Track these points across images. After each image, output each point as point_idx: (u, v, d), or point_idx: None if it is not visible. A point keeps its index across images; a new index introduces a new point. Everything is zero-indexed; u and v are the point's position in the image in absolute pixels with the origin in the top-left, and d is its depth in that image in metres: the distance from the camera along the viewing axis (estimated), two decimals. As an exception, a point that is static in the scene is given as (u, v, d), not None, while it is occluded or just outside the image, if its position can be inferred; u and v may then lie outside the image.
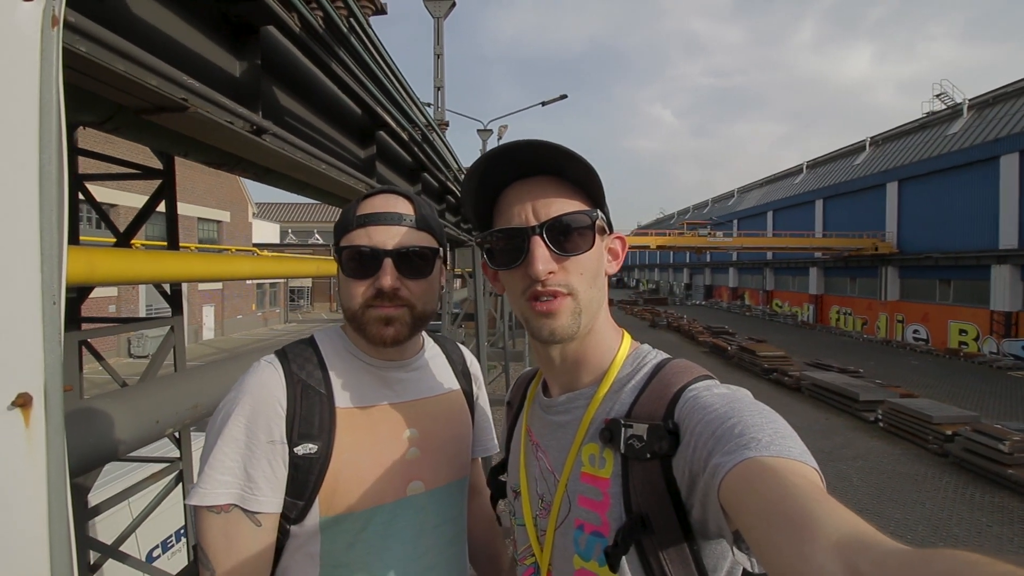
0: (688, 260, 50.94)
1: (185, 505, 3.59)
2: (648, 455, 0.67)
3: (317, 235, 37.63)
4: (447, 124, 6.99)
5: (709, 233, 30.95)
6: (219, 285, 23.21)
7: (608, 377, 0.78)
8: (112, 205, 15.00)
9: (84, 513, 2.70)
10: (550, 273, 0.72)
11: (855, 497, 7.55)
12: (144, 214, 3.10)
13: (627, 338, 0.83)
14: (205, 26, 1.69)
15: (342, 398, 0.91)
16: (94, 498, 2.89)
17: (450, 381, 1.08)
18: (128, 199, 14.88)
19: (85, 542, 2.71)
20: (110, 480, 3.65)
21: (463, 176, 0.87)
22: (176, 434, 3.36)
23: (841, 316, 29.08)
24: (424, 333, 1.07)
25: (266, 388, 0.86)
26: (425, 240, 0.94)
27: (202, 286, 21.99)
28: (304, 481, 0.85)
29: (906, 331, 24.01)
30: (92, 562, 2.83)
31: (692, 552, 0.66)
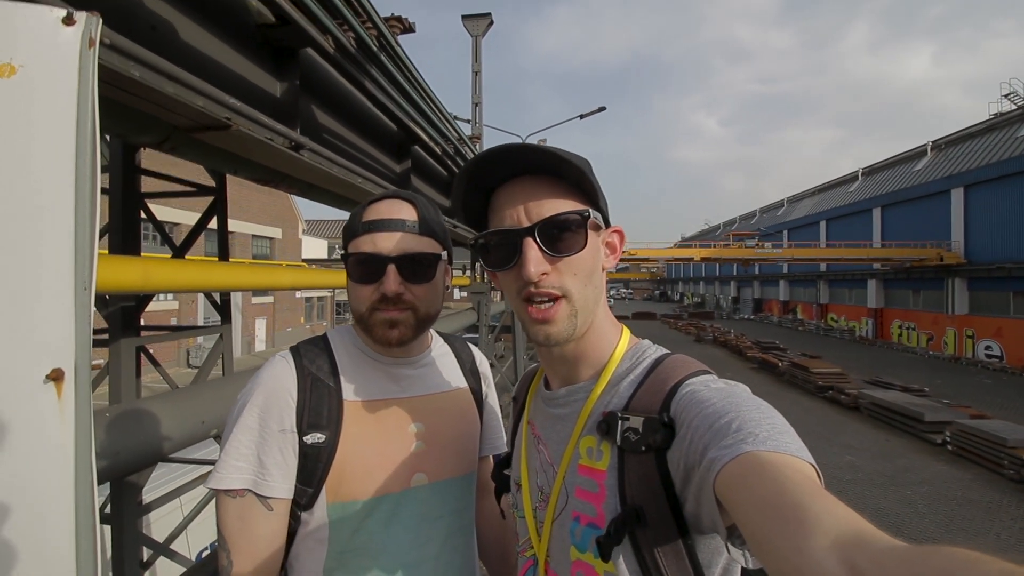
0: (735, 272, 49.34)
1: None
2: (643, 448, 0.67)
3: (363, 250, 38.76)
4: (479, 138, 7.13)
5: (757, 244, 29.92)
6: (270, 299, 24.31)
7: (607, 371, 0.78)
8: (175, 224, 16.07)
9: (138, 509, 2.86)
10: (543, 274, 0.73)
11: (921, 525, 7.02)
12: (198, 229, 3.32)
13: (626, 333, 0.83)
14: (247, 50, 1.82)
15: (350, 391, 0.95)
16: (147, 496, 3.07)
17: (458, 379, 1.10)
18: (189, 217, 15.89)
19: (138, 538, 2.88)
20: (165, 480, 3.86)
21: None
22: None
23: (904, 331, 27.34)
24: (434, 331, 1.10)
25: (278, 380, 0.91)
26: (427, 244, 0.97)
27: (255, 300, 23.10)
28: (313, 469, 0.89)
29: (977, 347, 22.29)
30: (144, 559, 3.00)
31: (686, 546, 0.66)
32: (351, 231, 0.96)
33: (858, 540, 0.40)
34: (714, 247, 30.89)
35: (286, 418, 0.89)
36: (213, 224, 3.47)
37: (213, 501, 3.52)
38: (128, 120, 1.61)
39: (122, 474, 2.09)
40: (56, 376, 0.55)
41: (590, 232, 0.75)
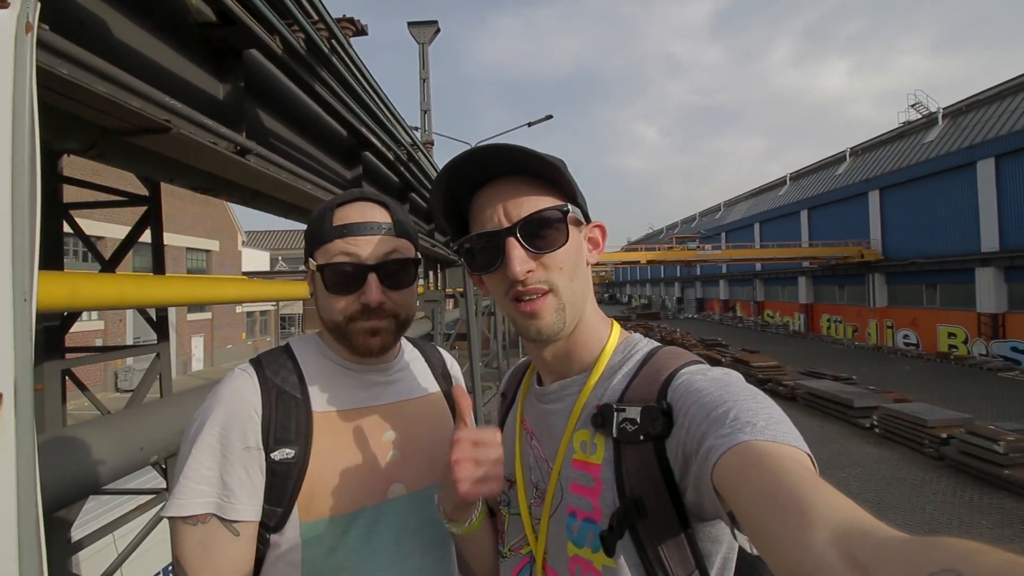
0: (679, 274, 51.29)
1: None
2: (641, 437, 0.67)
3: (307, 261, 37.44)
4: (432, 144, 7.07)
5: (698, 246, 31.28)
6: (208, 315, 22.98)
7: (599, 364, 0.79)
8: (99, 238, 14.91)
9: (67, 548, 2.61)
10: (529, 272, 0.73)
11: (855, 504, 7.50)
12: (129, 241, 3.09)
13: (616, 327, 0.84)
14: (188, 49, 1.71)
15: (319, 402, 0.90)
16: (77, 533, 2.81)
17: (430, 384, 1.07)
18: (115, 231, 14.80)
19: (68, 579, 2.63)
20: (96, 515, 3.55)
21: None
22: (163, 464, 3.29)
23: (832, 324, 29.30)
24: (403, 337, 1.07)
25: (240, 394, 0.85)
26: (404, 247, 0.93)
27: (190, 316, 21.77)
28: (282, 487, 0.84)
29: (896, 336, 24.22)
30: (76, 600, 2.74)
31: (687, 536, 0.66)
32: (318, 237, 0.90)
33: (857, 531, 0.40)
34: (659, 250, 32.03)
35: (250, 435, 0.83)
36: (143, 237, 3.23)
37: (150, 534, 3.27)
38: (52, 123, 1.48)
39: (50, 510, 1.90)
40: (-7, 400, 0.49)
41: (571, 227, 0.76)
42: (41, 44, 1.06)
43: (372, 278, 0.87)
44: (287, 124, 2.40)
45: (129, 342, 17.96)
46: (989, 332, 19.50)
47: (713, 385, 0.65)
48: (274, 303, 29.98)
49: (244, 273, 24.52)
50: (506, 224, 0.74)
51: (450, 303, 12.40)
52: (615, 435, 0.69)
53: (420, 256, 0.98)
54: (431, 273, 8.65)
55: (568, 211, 0.75)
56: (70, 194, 3.10)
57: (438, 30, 9.05)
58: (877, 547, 0.38)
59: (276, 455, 0.84)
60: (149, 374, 3.18)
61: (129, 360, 17.90)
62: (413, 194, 4.51)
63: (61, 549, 2.57)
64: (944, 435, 9.06)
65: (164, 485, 3.33)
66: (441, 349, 1.19)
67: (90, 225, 3.99)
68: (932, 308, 22.60)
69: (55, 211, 2.74)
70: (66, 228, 2.97)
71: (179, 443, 2.49)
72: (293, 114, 2.42)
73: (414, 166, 3.82)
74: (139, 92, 1.37)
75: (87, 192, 3.19)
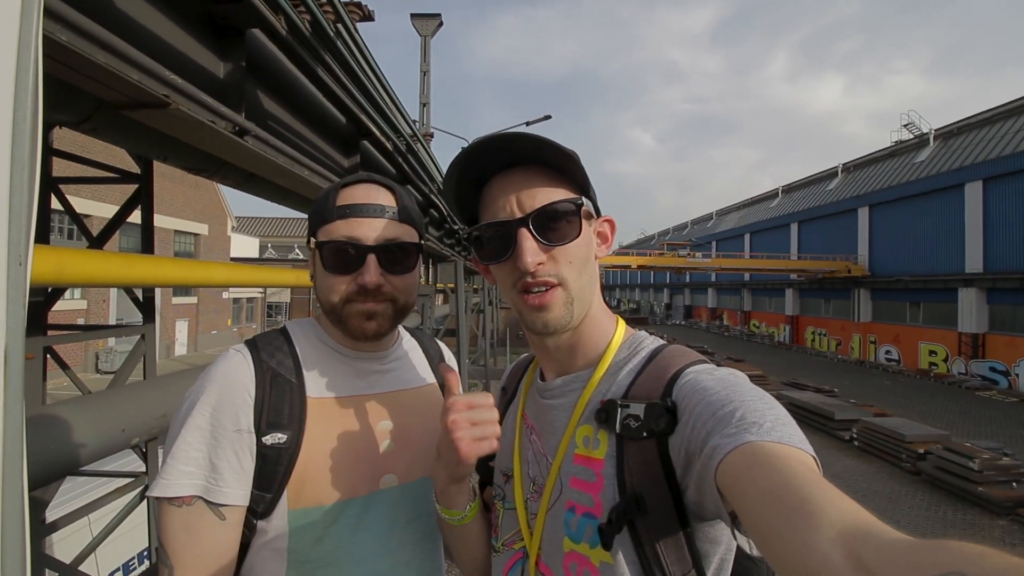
0: (668, 280, 51.58)
1: (148, 511, 3.43)
2: (645, 434, 0.67)
3: (297, 250, 37.16)
4: (431, 135, 7.03)
5: (689, 254, 31.47)
6: (194, 299, 22.67)
7: (604, 360, 0.78)
8: (86, 215, 14.64)
9: (42, 529, 2.56)
10: (539, 264, 0.72)
11: (832, 515, 7.60)
12: (119, 219, 3.03)
13: (622, 323, 0.84)
14: (190, 25, 1.68)
15: (314, 387, 0.88)
16: (52, 514, 2.76)
17: (427, 375, 1.05)
18: (103, 209, 14.54)
19: (41, 560, 2.57)
20: (71, 496, 3.49)
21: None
22: (143, 447, 3.24)
23: (816, 337, 29.65)
24: (400, 326, 1.06)
25: (233, 376, 0.83)
26: (407, 233, 0.92)
27: (175, 300, 21.47)
28: (272, 472, 0.82)
29: (879, 352, 24.56)
30: (48, 582, 2.68)
31: (686, 535, 0.66)
32: (321, 216, 0.89)
33: (863, 533, 0.40)
34: (649, 256, 32.17)
35: (242, 417, 0.81)
36: (131, 217, 3.16)
37: (127, 518, 3.21)
38: (46, 93, 1.44)
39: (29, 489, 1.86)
40: (-18, 365, 0.47)
41: (583, 221, 0.75)
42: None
43: (371, 259, 0.86)
44: (287, 107, 2.37)
45: (112, 323, 17.68)
46: (969, 351, 19.85)
47: (720, 384, 0.64)
48: (261, 290, 29.66)
49: (232, 259, 24.24)
50: (519, 214, 0.73)
51: (439, 298, 12.36)
52: (618, 431, 0.69)
53: (423, 244, 0.97)
54: (422, 268, 8.62)
55: (582, 204, 0.75)
56: (59, 168, 3.04)
57: (441, 23, 9.01)
58: (882, 549, 0.38)
59: (267, 439, 0.82)
60: (133, 356, 3.12)
61: (111, 341, 17.62)
62: (409, 186, 4.48)
63: (35, 530, 2.52)
64: (921, 450, 9.22)
65: (144, 468, 3.27)
66: (438, 341, 1.17)
67: (76, 202, 3.91)
68: (915, 325, 22.96)
69: (43, 184, 2.68)
70: (54, 204, 2.91)
71: (162, 427, 2.46)
72: (293, 97, 2.39)
73: (413, 158, 3.79)
74: (139, 64, 1.34)
75: (76, 167, 3.12)
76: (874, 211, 25.73)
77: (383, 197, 0.91)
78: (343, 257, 0.87)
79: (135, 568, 4.04)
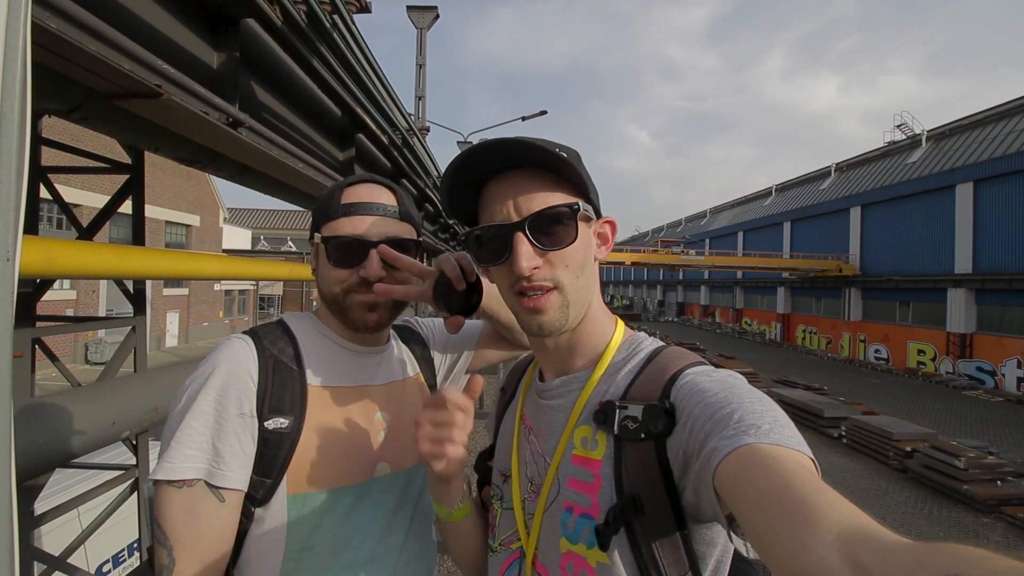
0: (661, 277, 51.75)
1: (138, 503, 3.41)
2: (642, 435, 0.67)
3: (290, 242, 36.91)
4: (427, 129, 6.99)
5: (682, 251, 31.59)
6: (185, 291, 22.47)
7: (603, 361, 0.78)
8: (76, 205, 14.44)
9: (30, 521, 2.54)
10: (535, 268, 0.72)
11: (820, 511, 7.69)
12: (109, 209, 2.99)
13: (621, 324, 0.84)
14: (183, 14, 1.65)
15: (314, 376, 0.91)
16: (41, 506, 2.74)
17: (414, 367, 1.10)
18: (93, 199, 14.35)
19: (30, 552, 2.55)
20: (60, 488, 3.46)
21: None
22: (133, 440, 3.22)
23: (807, 335, 29.89)
24: None
25: (237, 361, 0.85)
26: (407, 230, 0.97)
27: (167, 291, 21.27)
28: (273, 457, 0.84)
29: (868, 350, 24.80)
30: (37, 575, 2.67)
31: (682, 537, 0.66)
32: (326, 213, 0.93)
33: (862, 536, 0.40)
34: (643, 252, 32.24)
35: (245, 402, 0.83)
36: (122, 208, 3.12)
37: (117, 510, 3.19)
38: (35, 82, 1.41)
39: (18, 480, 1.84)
40: (-31, 363, 0.46)
41: (581, 224, 0.75)
42: (30, -6, 1.00)
43: (374, 253, 0.90)
44: (281, 99, 2.34)
45: (102, 314, 17.50)
46: (957, 351, 20.08)
47: (718, 386, 0.64)
48: (254, 282, 29.47)
49: (224, 251, 24.03)
50: (515, 218, 0.73)
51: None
52: (616, 432, 0.69)
53: (421, 241, 1.01)
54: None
55: (579, 208, 0.74)
56: (48, 157, 2.99)
57: (437, 16, 8.94)
58: (881, 552, 0.38)
59: (270, 424, 0.84)
60: (124, 347, 3.10)
61: (100, 332, 17.45)
62: (405, 180, 4.46)
63: (24, 522, 2.50)
64: (909, 448, 9.33)
65: (134, 461, 3.25)
66: (410, 320, 1.20)
67: (66, 192, 3.86)
68: (904, 325, 23.19)
69: (32, 173, 2.64)
70: (43, 193, 2.87)
71: (153, 420, 2.44)
72: (288, 89, 2.36)
73: (408, 152, 3.76)
74: (131, 54, 1.32)
75: (66, 156, 3.08)
76: (866, 211, 25.91)
77: (385, 196, 0.96)
78: (347, 250, 0.91)
79: (125, 560, 4.02)
